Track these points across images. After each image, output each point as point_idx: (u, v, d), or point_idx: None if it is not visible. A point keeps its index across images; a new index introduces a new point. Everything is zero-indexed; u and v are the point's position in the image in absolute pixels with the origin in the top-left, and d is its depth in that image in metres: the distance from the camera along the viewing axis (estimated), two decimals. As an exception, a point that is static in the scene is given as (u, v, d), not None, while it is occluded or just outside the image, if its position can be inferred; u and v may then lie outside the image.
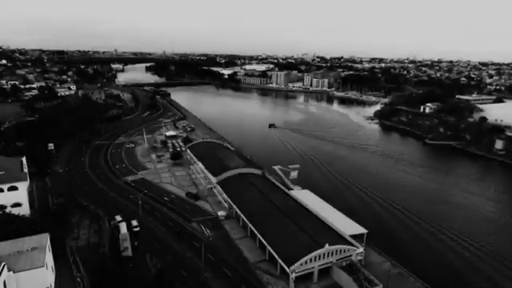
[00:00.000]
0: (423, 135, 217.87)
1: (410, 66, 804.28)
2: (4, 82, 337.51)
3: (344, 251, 73.18)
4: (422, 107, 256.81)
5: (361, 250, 75.28)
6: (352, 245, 74.75)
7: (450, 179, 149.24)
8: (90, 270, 66.53)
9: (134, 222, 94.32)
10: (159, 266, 77.09)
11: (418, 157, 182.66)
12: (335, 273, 71.42)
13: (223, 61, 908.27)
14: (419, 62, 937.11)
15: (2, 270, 44.08)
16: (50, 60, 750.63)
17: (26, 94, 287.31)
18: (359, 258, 75.40)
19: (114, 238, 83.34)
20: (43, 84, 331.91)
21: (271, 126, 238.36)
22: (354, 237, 79.38)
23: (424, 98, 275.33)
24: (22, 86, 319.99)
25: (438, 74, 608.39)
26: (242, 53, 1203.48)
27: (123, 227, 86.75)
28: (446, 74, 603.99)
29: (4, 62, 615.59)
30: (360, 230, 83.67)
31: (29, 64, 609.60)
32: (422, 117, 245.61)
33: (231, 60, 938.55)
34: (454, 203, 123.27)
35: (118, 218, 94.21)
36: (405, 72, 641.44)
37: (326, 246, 70.04)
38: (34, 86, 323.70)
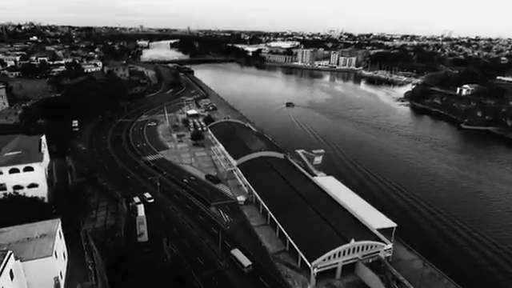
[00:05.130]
0: (459, 119, 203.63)
1: (444, 43, 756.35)
2: (34, 58, 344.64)
3: (371, 247, 67.77)
4: (458, 89, 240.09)
5: (389, 246, 69.55)
6: (380, 240, 69.15)
7: (487, 168, 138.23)
8: (106, 254, 65.07)
9: (147, 195, 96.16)
10: (175, 251, 75.14)
11: (452, 143, 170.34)
12: (360, 270, 66.48)
13: (247, 38, 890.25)
14: (455, 39, 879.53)
15: (9, 258, 42.05)
16: (78, 36, 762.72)
17: (54, 70, 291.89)
18: (387, 254, 69.81)
19: (131, 220, 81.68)
20: (70, 60, 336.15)
21: (289, 104, 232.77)
22: (382, 231, 73.54)
23: (460, 79, 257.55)
24: (51, 63, 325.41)
25: (476, 53, 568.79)
26: (267, 29, 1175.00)
27: (141, 209, 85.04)
28: (485, 53, 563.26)
29: (35, 38, 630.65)
30: (388, 223, 77.25)
31: (58, 40, 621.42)
32: (457, 99, 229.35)
33: (256, 37, 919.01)
34: (491, 197, 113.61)
35: (136, 199, 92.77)
36: (439, 50, 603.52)
37: (352, 241, 64.85)
38: (62, 62, 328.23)
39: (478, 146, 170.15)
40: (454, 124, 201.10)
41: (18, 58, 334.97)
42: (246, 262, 69.68)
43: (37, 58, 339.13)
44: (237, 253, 72.32)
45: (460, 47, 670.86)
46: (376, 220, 77.22)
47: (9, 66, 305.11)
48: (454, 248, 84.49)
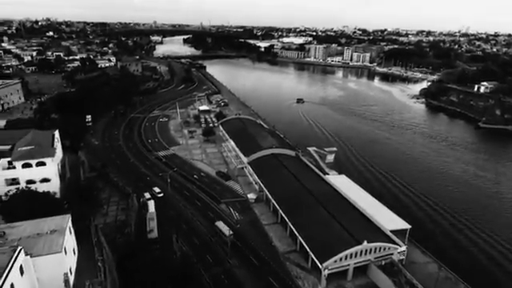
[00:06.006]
0: (476, 118, 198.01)
1: (461, 39, 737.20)
2: (50, 53, 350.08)
3: (384, 249, 66.00)
4: (475, 86, 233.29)
5: (403, 248, 67.64)
6: (393, 242, 67.25)
7: (506, 169, 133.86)
8: (116, 250, 65.14)
9: (157, 189, 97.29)
10: (185, 248, 74.86)
11: (469, 142, 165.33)
12: (373, 272, 64.85)
13: (260, 33, 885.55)
14: (472, 35, 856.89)
15: (19, 254, 42.07)
16: (92, 32, 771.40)
17: (69, 65, 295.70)
18: (401, 257, 67.91)
19: (142, 216, 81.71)
20: (85, 56, 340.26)
21: (299, 100, 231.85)
22: (396, 232, 71.56)
23: (478, 76, 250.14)
24: (66, 58, 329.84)
25: (495, 49, 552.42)
26: (280, 25, 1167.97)
27: (151, 205, 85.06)
28: (504, 49, 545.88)
29: (51, 33, 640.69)
30: (402, 224, 75.30)
31: (73, 36, 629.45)
32: (475, 97, 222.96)
33: (268, 32, 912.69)
34: (510, 197, 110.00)
35: (147, 195, 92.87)
36: (456, 46, 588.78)
37: (365, 242, 63.24)
38: (77, 57, 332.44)
39: (496, 145, 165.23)
40: (472, 122, 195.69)
41: (34, 54, 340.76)
42: (227, 231, 76.54)
43: (52, 54, 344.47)
44: (220, 224, 79.95)
45: (478, 43, 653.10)
46: (389, 221, 75.27)
47: (25, 61, 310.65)
48: (470, 251, 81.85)
